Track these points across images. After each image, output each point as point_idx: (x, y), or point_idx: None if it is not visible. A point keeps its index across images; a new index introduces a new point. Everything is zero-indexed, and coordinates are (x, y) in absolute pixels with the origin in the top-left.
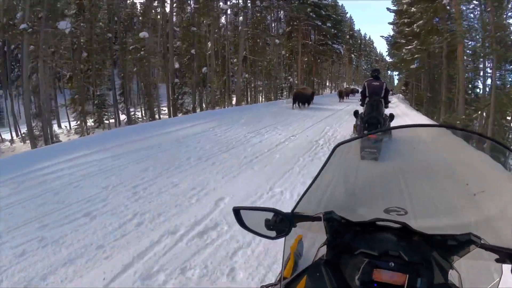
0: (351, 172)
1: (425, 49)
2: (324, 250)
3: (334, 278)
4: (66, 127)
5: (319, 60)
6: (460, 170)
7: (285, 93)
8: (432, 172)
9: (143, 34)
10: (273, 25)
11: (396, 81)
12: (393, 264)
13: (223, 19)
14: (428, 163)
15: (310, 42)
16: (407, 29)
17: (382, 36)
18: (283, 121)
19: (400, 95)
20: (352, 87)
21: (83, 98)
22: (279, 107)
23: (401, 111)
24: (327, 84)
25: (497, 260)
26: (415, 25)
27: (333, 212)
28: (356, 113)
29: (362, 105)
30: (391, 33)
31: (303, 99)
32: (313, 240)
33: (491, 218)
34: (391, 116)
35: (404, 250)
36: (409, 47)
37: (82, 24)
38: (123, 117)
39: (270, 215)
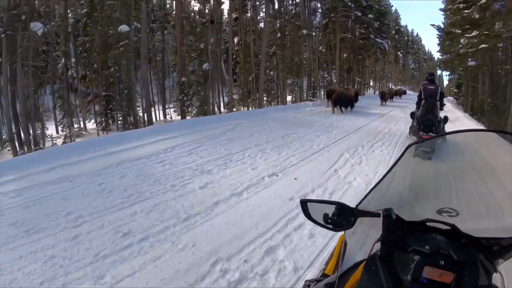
0: (409, 172)
1: (497, 36)
2: (378, 245)
3: (388, 273)
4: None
5: (360, 57)
6: (510, 175)
7: (320, 93)
8: (483, 175)
9: (123, 27)
10: (307, 17)
11: (446, 82)
12: (443, 263)
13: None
14: (479, 166)
15: (349, 35)
16: (465, 11)
17: (432, 25)
18: (286, 136)
19: (451, 97)
20: (397, 87)
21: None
22: (298, 112)
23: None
24: (370, 83)
25: None
26: (474, 6)
27: (392, 209)
28: (412, 114)
29: (418, 107)
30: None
31: (344, 102)
32: (365, 235)
33: None
34: (446, 119)
35: (453, 250)
36: (471, 34)
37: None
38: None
39: (330, 209)
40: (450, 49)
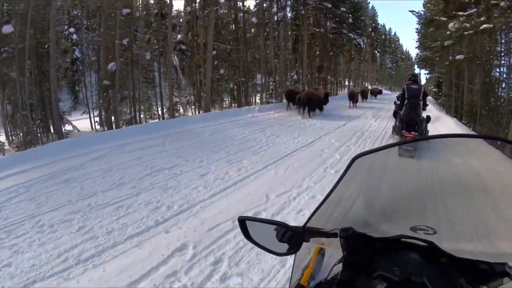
0: (374, 186)
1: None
2: (339, 267)
3: None
4: None
5: (332, 53)
6: (501, 191)
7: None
8: (468, 190)
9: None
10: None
11: (424, 81)
12: None
13: None
14: (463, 180)
15: (318, 30)
16: None
17: (412, 12)
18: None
19: (430, 97)
20: (373, 87)
21: None
22: (234, 121)
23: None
24: (346, 83)
25: None
26: None
27: (352, 228)
28: (395, 114)
29: (399, 107)
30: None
31: (313, 104)
32: (328, 255)
33: None
34: (428, 118)
35: (429, 275)
36: (467, 12)
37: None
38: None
39: (280, 228)
40: (431, 44)
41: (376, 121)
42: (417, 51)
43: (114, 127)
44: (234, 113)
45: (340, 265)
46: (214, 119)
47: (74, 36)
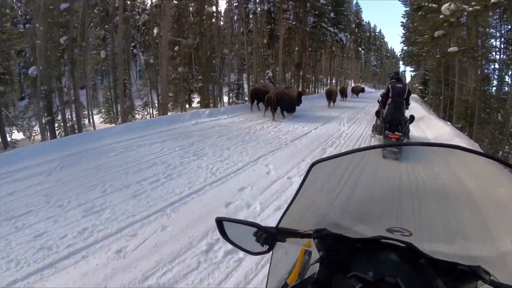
0: (348, 188)
1: None
2: (316, 267)
3: None
4: None
5: (310, 49)
6: (477, 197)
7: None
8: (444, 195)
9: None
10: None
11: (408, 78)
12: None
13: None
14: (440, 184)
15: (294, 22)
16: None
17: None
18: None
19: (416, 95)
20: (356, 84)
21: None
22: (163, 132)
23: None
24: (330, 81)
25: None
26: None
27: (326, 229)
28: (377, 113)
29: (383, 106)
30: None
31: (284, 104)
32: (305, 256)
33: (505, 253)
34: (412, 118)
35: (404, 275)
36: None
37: None
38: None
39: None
40: (418, 39)
41: (350, 127)
42: (402, 45)
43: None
44: (171, 120)
45: (317, 265)
46: (140, 129)
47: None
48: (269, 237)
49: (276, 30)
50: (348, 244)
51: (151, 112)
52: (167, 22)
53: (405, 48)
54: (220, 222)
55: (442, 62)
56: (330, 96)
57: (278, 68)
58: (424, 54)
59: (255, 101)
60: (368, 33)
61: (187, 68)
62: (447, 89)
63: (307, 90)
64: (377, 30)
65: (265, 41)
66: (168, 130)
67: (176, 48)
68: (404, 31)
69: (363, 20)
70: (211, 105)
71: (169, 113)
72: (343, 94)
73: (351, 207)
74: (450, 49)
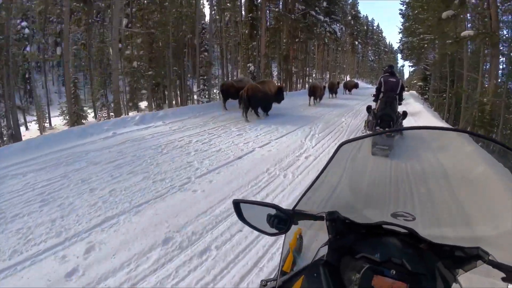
0: (358, 172)
1: None
2: (324, 250)
3: (332, 281)
4: None
5: (298, 40)
6: (477, 181)
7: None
8: (446, 179)
9: None
10: None
11: (406, 75)
12: (394, 272)
13: None
14: (442, 169)
15: (277, 9)
16: None
17: None
18: None
19: (414, 92)
20: (349, 79)
21: None
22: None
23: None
24: (324, 75)
25: (503, 279)
26: None
27: (337, 212)
28: (369, 108)
29: (375, 100)
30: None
31: (257, 102)
32: (314, 238)
33: (503, 234)
34: (404, 114)
35: (408, 258)
36: None
37: None
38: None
39: (272, 210)
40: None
41: (321, 140)
42: (400, 36)
43: None
44: (82, 132)
45: (326, 247)
46: (36, 149)
47: None
48: (282, 220)
49: (259, 18)
50: (354, 228)
51: (107, 113)
52: (117, 11)
53: (404, 39)
54: (237, 204)
55: (448, 53)
56: (314, 93)
57: (260, 60)
58: (426, 45)
59: (228, 99)
60: (365, 27)
61: (144, 64)
62: (452, 85)
63: (293, 85)
64: (375, 24)
65: (246, 32)
66: (64, 150)
67: (139, 40)
68: (403, 20)
69: (359, 12)
70: (165, 105)
71: (121, 116)
72: (332, 90)
73: (362, 190)
74: (464, 33)
